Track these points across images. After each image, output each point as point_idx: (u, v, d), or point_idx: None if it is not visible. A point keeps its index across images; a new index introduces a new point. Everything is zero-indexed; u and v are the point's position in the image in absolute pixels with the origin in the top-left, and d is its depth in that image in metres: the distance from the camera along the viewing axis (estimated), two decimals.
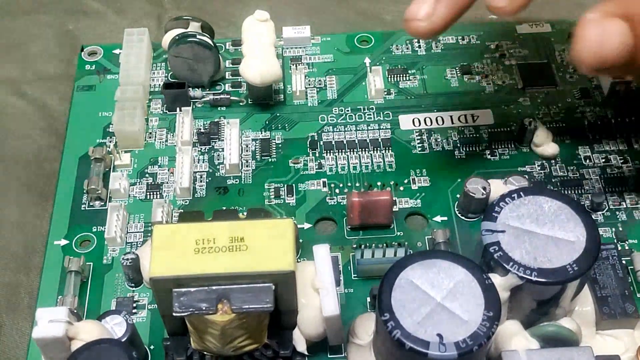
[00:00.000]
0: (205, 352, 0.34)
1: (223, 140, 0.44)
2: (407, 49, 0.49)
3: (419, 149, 0.44)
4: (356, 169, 0.44)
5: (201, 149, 0.45)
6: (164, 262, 0.31)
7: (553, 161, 0.43)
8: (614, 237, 0.40)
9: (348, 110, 0.46)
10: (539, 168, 0.43)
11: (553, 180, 0.43)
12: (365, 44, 0.50)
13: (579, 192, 0.42)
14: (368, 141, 0.44)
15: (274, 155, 0.44)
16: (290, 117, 0.46)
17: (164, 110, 0.46)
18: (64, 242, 0.40)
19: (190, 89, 0.47)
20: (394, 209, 0.41)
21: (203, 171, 0.44)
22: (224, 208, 0.42)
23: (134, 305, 0.38)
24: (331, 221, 0.42)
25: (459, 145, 0.44)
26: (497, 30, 0.50)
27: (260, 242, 0.32)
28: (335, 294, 0.33)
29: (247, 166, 0.44)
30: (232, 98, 0.47)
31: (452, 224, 0.41)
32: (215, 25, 0.48)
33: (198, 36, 0.45)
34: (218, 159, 0.44)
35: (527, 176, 0.41)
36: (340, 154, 0.44)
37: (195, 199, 0.42)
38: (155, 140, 0.45)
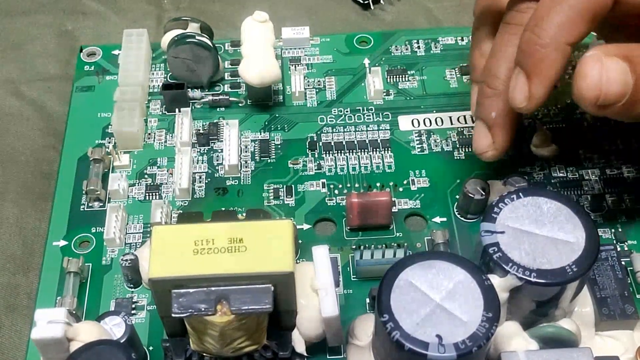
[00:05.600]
0: (204, 354, 0.34)
1: (222, 141, 0.44)
2: (407, 49, 0.49)
3: (418, 149, 0.44)
4: (355, 169, 0.43)
5: (200, 149, 0.45)
6: (163, 263, 0.31)
7: (552, 162, 0.43)
8: (613, 238, 0.40)
9: (347, 111, 0.46)
10: (539, 169, 0.43)
11: (552, 181, 0.43)
12: (365, 45, 0.50)
13: (579, 192, 0.42)
14: (367, 142, 0.44)
15: (273, 156, 0.44)
16: (290, 118, 0.46)
17: (163, 111, 0.46)
18: (62, 243, 0.40)
19: (190, 89, 0.46)
20: (393, 210, 0.41)
21: (202, 172, 0.43)
22: (223, 209, 0.42)
23: (133, 306, 0.38)
24: (330, 222, 0.42)
25: (458, 146, 0.44)
26: None
27: (259, 243, 0.32)
28: (335, 295, 0.33)
29: (246, 167, 0.44)
30: (231, 99, 0.47)
31: (451, 225, 0.41)
32: (214, 26, 0.48)
33: (197, 37, 0.45)
34: (217, 160, 0.44)
35: (526, 177, 0.41)
36: (339, 154, 0.44)
37: (194, 200, 0.42)
38: (154, 141, 0.45)
